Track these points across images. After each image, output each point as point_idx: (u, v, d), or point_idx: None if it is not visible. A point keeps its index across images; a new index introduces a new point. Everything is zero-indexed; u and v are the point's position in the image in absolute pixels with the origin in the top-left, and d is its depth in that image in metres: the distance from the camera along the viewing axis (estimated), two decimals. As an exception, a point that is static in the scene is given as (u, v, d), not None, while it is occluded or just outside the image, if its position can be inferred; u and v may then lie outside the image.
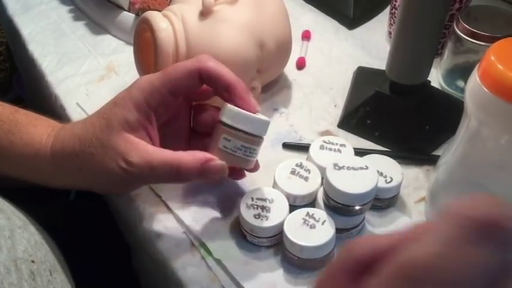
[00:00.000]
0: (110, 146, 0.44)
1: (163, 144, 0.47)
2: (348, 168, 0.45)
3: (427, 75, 0.57)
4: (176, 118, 0.49)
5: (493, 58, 0.38)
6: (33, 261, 0.39)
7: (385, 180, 0.49)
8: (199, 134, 0.51)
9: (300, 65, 0.69)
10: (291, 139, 0.59)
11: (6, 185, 0.48)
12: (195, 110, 0.50)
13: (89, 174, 0.46)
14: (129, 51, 0.69)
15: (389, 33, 0.72)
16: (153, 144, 0.46)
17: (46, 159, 0.47)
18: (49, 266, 0.41)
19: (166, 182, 0.50)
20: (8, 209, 0.43)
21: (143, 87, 0.45)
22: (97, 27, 0.76)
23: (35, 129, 0.48)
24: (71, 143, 0.46)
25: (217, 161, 0.44)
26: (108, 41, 0.74)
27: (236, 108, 0.45)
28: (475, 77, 0.39)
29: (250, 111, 0.45)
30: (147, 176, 0.45)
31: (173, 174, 0.44)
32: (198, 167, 0.44)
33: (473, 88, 0.40)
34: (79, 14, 0.79)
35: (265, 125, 0.46)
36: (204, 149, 0.47)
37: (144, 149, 0.44)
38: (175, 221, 0.51)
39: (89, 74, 0.68)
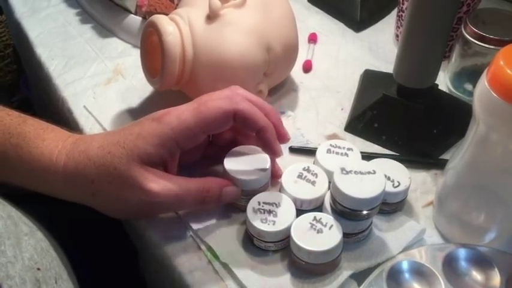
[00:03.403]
0: (129, 176, 0.44)
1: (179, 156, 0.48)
2: (356, 172, 0.45)
3: (435, 79, 0.56)
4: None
5: (502, 63, 0.38)
6: (38, 269, 0.39)
7: (393, 185, 0.49)
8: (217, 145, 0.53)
9: (307, 67, 0.69)
10: (298, 143, 0.58)
11: (13, 188, 0.48)
12: None
13: (103, 201, 0.47)
14: (136, 54, 0.69)
15: (397, 36, 0.72)
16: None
17: (57, 177, 0.46)
18: (54, 274, 0.41)
19: (189, 209, 0.51)
20: (15, 215, 0.43)
21: (174, 125, 0.45)
22: (104, 30, 0.76)
23: (43, 144, 0.47)
24: (86, 168, 0.45)
25: (232, 186, 0.48)
26: (115, 44, 0.74)
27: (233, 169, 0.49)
28: (483, 82, 0.39)
29: (273, 156, 0.49)
30: (170, 204, 0.47)
31: (199, 199, 0.46)
32: (220, 190, 0.47)
33: (482, 93, 0.39)
34: (86, 17, 0.79)
35: (262, 178, 0.49)
36: (217, 156, 0.51)
37: (166, 178, 0.45)
38: (182, 224, 0.51)
39: (96, 77, 0.68)
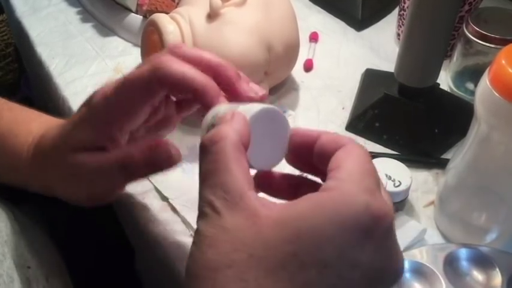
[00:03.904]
0: (63, 168, 0.41)
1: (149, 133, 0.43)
2: (356, 172, 0.45)
3: (436, 78, 0.56)
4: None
5: (503, 62, 0.37)
6: (29, 267, 0.39)
7: (394, 184, 0.49)
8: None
9: (308, 67, 0.69)
10: (299, 142, 0.58)
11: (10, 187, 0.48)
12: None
13: (48, 176, 0.43)
14: (136, 52, 0.69)
15: (398, 35, 0.72)
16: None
17: (26, 170, 0.44)
18: (45, 272, 0.41)
19: (121, 183, 0.43)
20: (8, 213, 0.43)
21: (98, 104, 0.39)
22: (105, 29, 0.76)
23: (16, 139, 0.45)
24: (43, 162, 0.43)
25: (169, 146, 0.38)
26: (115, 43, 0.74)
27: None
28: (485, 81, 0.39)
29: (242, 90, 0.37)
30: (114, 172, 0.39)
31: (122, 171, 0.39)
32: (146, 155, 0.38)
33: (484, 92, 0.39)
34: (87, 15, 0.79)
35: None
36: None
37: (94, 156, 0.40)
38: (182, 224, 0.51)
39: (96, 76, 0.68)
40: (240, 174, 0.28)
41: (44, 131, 0.45)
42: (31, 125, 0.47)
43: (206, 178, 0.28)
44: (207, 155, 0.29)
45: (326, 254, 0.25)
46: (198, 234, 0.28)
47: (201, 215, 0.28)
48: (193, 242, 0.28)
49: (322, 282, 0.25)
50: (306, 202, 0.26)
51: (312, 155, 0.32)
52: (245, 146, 0.29)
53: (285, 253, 0.25)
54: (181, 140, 0.57)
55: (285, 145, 0.33)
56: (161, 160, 0.38)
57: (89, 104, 0.40)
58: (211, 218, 0.27)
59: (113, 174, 0.39)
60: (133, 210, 0.53)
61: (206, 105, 0.36)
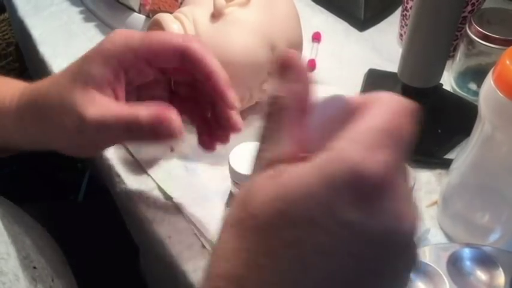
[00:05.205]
0: (69, 99, 0.40)
1: None
2: (360, 171, 0.45)
3: (440, 78, 0.56)
4: (153, 85, 0.46)
5: (508, 62, 0.37)
6: (35, 268, 0.39)
7: (397, 184, 0.49)
8: (181, 97, 0.48)
9: (310, 67, 0.69)
10: (302, 142, 0.58)
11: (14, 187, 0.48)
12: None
13: (48, 130, 0.43)
14: (139, 52, 0.69)
15: (401, 35, 0.72)
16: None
17: (11, 116, 0.44)
18: (51, 272, 0.41)
19: (123, 140, 0.44)
20: (12, 213, 0.43)
21: (118, 43, 0.41)
22: (107, 29, 0.76)
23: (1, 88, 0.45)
24: (37, 100, 0.43)
25: (174, 116, 0.39)
26: (118, 43, 0.74)
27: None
28: (489, 81, 0.39)
29: (228, 108, 0.43)
30: (115, 131, 0.40)
31: (126, 130, 0.40)
32: (153, 120, 0.39)
33: (488, 92, 0.39)
34: (89, 15, 0.79)
35: None
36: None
37: (102, 104, 0.40)
38: (186, 222, 0.51)
39: (99, 76, 0.68)
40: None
41: (29, 84, 0.45)
42: (16, 81, 0.47)
43: None
44: None
45: (313, 211, 0.24)
46: None
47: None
48: None
49: (311, 240, 0.24)
50: (304, 163, 0.25)
51: None
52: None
53: (273, 209, 0.24)
54: (185, 139, 0.57)
55: None
56: (163, 134, 0.40)
57: (105, 40, 0.41)
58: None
59: (116, 127, 0.40)
60: (137, 209, 0.53)
61: (217, 87, 0.42)
